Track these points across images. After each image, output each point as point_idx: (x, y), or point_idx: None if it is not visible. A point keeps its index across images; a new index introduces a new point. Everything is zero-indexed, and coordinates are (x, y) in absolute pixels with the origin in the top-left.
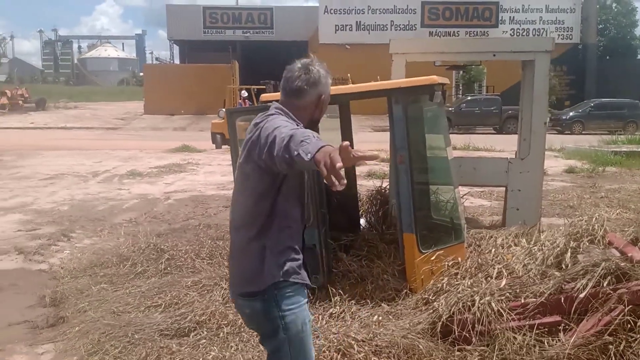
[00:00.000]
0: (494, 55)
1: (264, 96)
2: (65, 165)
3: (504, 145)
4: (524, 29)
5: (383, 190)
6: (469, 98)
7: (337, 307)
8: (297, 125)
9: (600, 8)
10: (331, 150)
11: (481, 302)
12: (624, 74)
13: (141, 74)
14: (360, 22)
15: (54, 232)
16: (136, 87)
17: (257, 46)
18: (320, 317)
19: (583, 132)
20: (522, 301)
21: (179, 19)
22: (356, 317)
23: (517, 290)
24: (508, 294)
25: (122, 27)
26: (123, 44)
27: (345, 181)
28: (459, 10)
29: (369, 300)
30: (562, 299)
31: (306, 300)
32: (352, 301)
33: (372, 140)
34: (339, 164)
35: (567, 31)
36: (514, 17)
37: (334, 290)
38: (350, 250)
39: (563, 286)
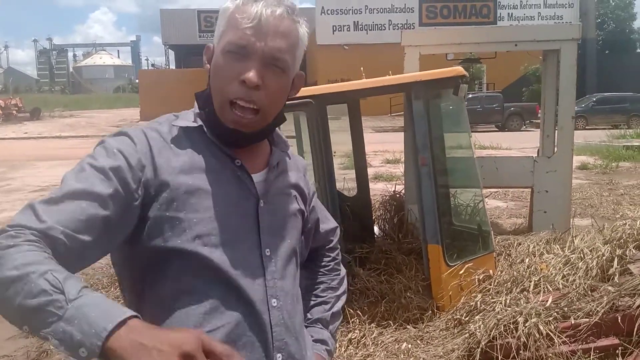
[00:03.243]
0: (516, 45)
1: None
2: (58, 176)
3: (510, 143)
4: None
5: (397, 195)
6: (469, 96)
7: (357, 331)
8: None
9: (599, 2)
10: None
11: (526, 324)
12: (624, 68)
13: (137, 80)
14: (357, 22)
15: None
16: (132, 94)
17: None
18: (337, 343)
19: (587, 127)
20: (573, 322)
21: (173, 23)
22: (379, 342)
23: (565, 309)
24: (555, 313)
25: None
26: (118, 51)
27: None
28: (457, 8)
29: (391, 322)
30: (619, 318)
31: None
32: (373, 323)
33: (374, 141)
34: None
35: None
36: (512, 13)
37: (351, 310)
38: (367, 264)
39: (618, 303)
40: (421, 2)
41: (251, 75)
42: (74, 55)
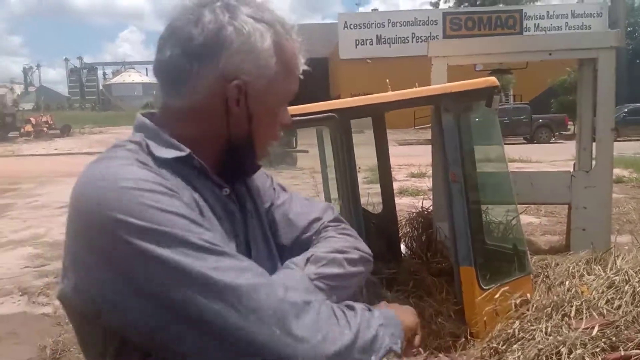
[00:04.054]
0: (550, 54)
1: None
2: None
3: (539, 155)
4: None
5: (425, 212)
6: (498, 107)
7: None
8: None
9: (628, 11)
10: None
11: (571, 355)
12: None
13: None
14: (380, 35)
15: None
16: None
17: None
18: None
19: (618, 139)
20: (622, 353)
21: None
22: None
23: (613, 339)
24: (603, 343)
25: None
26: (147, 68)
27: None
28: (482, 20)
29: (421, 349)
30: None
31: None
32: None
33: (398, 154)
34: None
35: None
36: (538, 24)
37: None
38: (394, 286)
39: None
40: (445, 14)
41: (290, 118)
42: (104, 74)
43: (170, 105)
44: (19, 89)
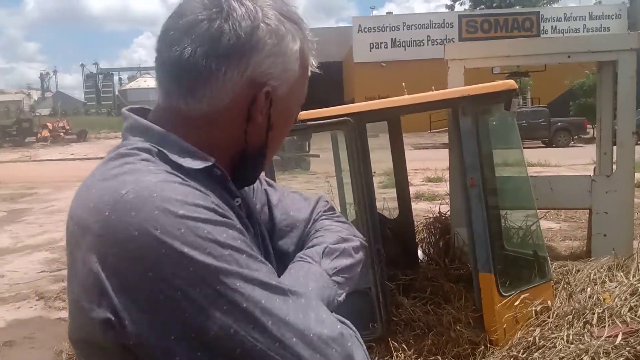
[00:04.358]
0: (569, 56)
1: (302, 114)
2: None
3: (558, 159)
4: None
5: (443, 217)
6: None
7: None
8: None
9: None
10: None
11: None
12: None
13: None
14: (395, 38)
15: None
16: None
17: None
18: None
19: (638, 143)
20: None
21: None
22: None
23: (638, 347)
24: (627, 352)
25: None
26: None
27: None
28: (498, 22)
29: (440, 357)
30: None
31: None
32: (420, 358)
33: (414, 158)
34: None
35: None
36: (556, 26)
37: (395, 344)
38: (411, 292)
39: None
40: (460, 16)
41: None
42: (119, 79)
43: (180, 108)
44: (35, 95)
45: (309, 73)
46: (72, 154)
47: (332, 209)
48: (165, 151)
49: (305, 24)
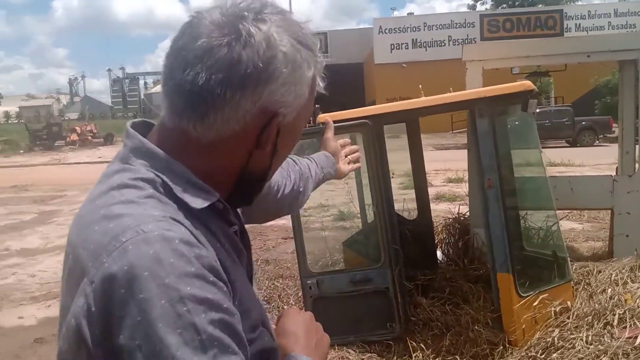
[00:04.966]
0: (588, 56)
1: (321, 117)
2: None
3: (583, 159)
4: None
5: (462, 218)
6: (537, 110)
7: None
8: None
9: None
10: None
11: None
12: None
13: None
14: (416, 39)
15: None
16: None
17: None
18: None
19: None
20: None
21: None
22: None
23: None
24: None
25: None
26: None
27: None
28: (520, 21)
29: (458, 357)
30: None
31: None
32: (438, 358)
33: (435, 159)
34: None
35: None
36: (580, 24)
37: (413, 343)
38: (430, 292)
39: None
40: (482, 16)
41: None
42: (145, 83)
43: (189, 132)
44: (64, 99)
45: (315, 94)
46: (99, 157)
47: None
48: (170, 184)
49: (317, 47)
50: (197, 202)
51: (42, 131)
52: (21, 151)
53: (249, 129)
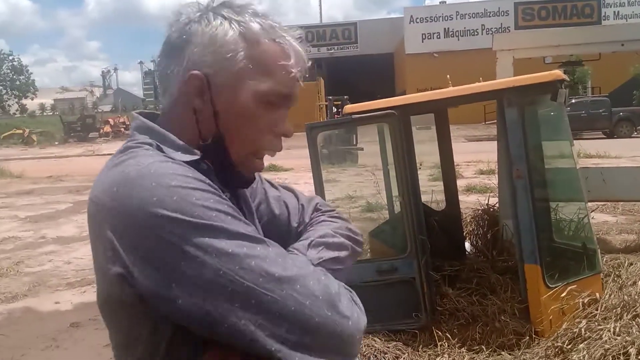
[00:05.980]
0: (622, 45)
1: (348, 107)
2: None
3: (619, 151)
4: None
5: (491, 209)
6: (573, 101)
7: (446, 356)
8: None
9: None
10: None
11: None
12: None
13: None
14: (448, 28)
15: None
16: None
17: (343, 62)
18: None
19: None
20: None
21: None
22: None
23: None
24: None
25: None
26: None
27: None
28: (556, 9)
29: (484, 347)
30: None
31: None
32: (464, 348)
33: (467, 151)
34: None
35: None
36: (618, 11)
37: (439, 333)
38: (457, 283)
39: None
40: (516, 4)
41: (290, 128)
42: None
43: (163, 108)
44: (98, 92)
45: (289, 72)
46: None
47: (328, 206)
48: (162, 146)
49: (266, 25)
50: (179, 156)
51: (77, 123)
52: (56, 143)
53: (182, 91)
